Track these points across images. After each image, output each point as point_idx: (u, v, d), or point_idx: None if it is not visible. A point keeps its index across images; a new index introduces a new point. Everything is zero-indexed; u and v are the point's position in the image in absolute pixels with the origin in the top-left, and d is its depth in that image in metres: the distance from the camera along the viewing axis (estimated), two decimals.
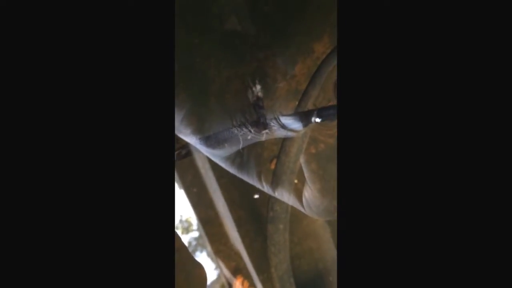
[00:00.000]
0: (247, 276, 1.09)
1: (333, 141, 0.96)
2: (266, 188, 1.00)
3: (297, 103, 1.02)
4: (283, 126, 0.80)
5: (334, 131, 0.96)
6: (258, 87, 0.78)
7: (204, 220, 1.09)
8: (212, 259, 1.13)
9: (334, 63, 0.94)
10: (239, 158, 0.98)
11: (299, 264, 1.15)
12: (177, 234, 0.77)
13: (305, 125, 0.80)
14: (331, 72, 0.96)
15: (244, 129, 0.79)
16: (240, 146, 0.94)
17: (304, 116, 0.80)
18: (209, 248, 1.08)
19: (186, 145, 0.87)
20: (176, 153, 0.87)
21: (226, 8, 1.03)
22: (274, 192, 0.97)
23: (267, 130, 0.78)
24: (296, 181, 0.99)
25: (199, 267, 0.80)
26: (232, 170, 0.98)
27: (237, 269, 1.13)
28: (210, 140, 0.95)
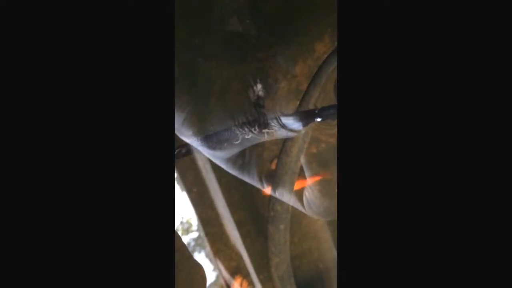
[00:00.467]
0: (246, 276, 1.09)
1: (334, 141, 0.96)
2: (267, 188, 1.01)
3: (298, 103, 1.02)
4: (284, 126, 0.80)
5: (335, 130, 0.96)
6: (259, 86, 0.79)
7: (205, 221, 1.09)
8: (211, 260, 1.13)
9: (334, 63, 0.94)
10: (240, 160, 0.99)
11: (300, 264, 1.15)
12: (177, 234, 0.77)
13: (305, 125, 0.80)
14: (332, 73, 0.96)
15: (246, 129, 0.79)
16: (241, 147, 0.94)
17: (304, 116, 0.80)
18: (208, 248, 1.08)
19: (186, 144, 0.87)
20: (176, 151, 0.87)
21: (227, 9, 1.03)
22: (275, 192, 0.97)
23: (267, 130, 0.78)
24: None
25: (199, 267, 0.80)
26: (233, 171, 0.98)
27: (238, 269, 1.13)
28: (211, 141, 0.95)
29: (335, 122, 0.89)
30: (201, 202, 1.10)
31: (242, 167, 0.99)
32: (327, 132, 0.94)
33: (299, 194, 0.97)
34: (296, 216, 1.14)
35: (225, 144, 0.94)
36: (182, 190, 1.17)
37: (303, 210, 0.99)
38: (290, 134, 0.88)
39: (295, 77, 1.02)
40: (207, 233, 1.10)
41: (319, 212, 0.98)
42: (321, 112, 0.81)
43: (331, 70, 0.92)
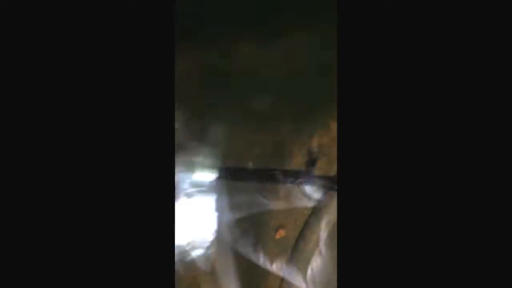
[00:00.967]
0: None
1: None
2: (262, 260, 0.99)
3: None
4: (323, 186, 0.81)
5: None
6: (317, 149, 0.82)
7: None
8: None
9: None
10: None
11: None
12: None
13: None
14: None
15: (287, 178, 0.80)
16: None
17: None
18: None
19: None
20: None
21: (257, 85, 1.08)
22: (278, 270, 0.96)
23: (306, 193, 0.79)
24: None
25: None
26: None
27: None
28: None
29: None
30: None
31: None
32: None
33: (304, 268, 0.96)
34: None
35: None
36: None
37: (303, 285, 0.97)
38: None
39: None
40: None
41: (323, 285, 0.96)
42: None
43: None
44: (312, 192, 0.96)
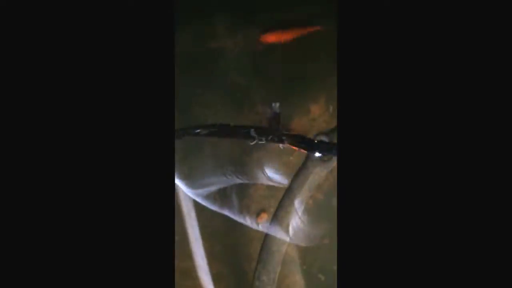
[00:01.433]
0: None
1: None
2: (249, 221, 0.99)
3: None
4: (296, 145, 0.83)
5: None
6: (278, 104, 0.83)
7: (182, 272, 1.03)
8: None
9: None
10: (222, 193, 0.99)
11: None
12: None
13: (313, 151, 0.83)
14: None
15: (262, 135, 0.82)
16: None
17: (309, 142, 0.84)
18: None
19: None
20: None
21: (232, 65, 1.10)
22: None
23: (281, 144, 0.81)
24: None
25: None
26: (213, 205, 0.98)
27: None
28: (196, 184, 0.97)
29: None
30: (181, 252, 1.05)
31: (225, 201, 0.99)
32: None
33: (285, 224, 0.97)
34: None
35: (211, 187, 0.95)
36: None
37: (286, 239, 0.98)
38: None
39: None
40: (181, 285, 1.03)
41: (307, 239, 0.97)
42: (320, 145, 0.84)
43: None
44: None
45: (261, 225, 1.04)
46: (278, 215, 1.00)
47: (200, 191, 0.99)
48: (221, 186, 1.00)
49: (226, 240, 1.08)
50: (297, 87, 1.10)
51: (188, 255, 1.06)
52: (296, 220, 0.96)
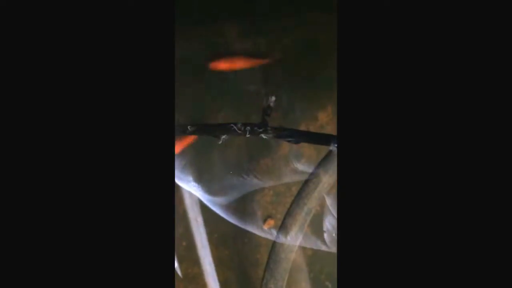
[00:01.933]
0: None
1: None
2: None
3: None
4: (280, 136, 0.84)
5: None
6: (273, 98, 0.84)
7: (189, 277, 1.03)
8: None
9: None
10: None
11: None
12: None
13: (297, 142, 0.84)
14: None
15: (247, 129, 0.83)
16: (241, 193, 0.94)
17: (296, 132, 0.85)
18: None
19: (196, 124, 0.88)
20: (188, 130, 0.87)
21: (242, 71, 1.10)
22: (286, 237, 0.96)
23: (265, 135, 0.82)
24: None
25: None
26: (232, 218, 0.97)
27: None
28: (212, 187, 0.96)
29: None
30: (188, 258, 1.05)
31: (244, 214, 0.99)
32: None
33: (294, 231, 0.96)
34: None
35: (228, 192, 0.94)
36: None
37: (323, 247, 0.97)
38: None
39: None
40: None
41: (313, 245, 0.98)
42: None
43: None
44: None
45: (268, 231, 1.04)
46: (287, 223, 1.00)
47: (220, 199, 0.98)
48: (239, 191, 0.99)
49: (233, 246, 1.07)
50: (305, 94, 1.11)
51: (196, 261, 1.06)
52: (305, 227, 0.96)
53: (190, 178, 0.99)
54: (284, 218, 0.97)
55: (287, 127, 0.84)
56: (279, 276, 0.99)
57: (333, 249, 0.97)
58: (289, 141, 0.85)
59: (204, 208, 1.04)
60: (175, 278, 1.01)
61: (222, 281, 1.05)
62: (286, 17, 1.12)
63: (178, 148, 1.00)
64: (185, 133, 0.85)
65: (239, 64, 1.09)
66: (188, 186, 0.99)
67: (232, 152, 1.08)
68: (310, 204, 0.99)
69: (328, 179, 0.97)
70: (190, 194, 1.04)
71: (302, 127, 1.09)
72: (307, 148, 1.08)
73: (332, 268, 1.06)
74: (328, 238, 0.97)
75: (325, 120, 1.11)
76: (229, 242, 1.07)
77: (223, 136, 0.85)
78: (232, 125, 0.83)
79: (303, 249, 1.07)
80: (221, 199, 0.96)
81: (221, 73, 1.10)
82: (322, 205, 1.00)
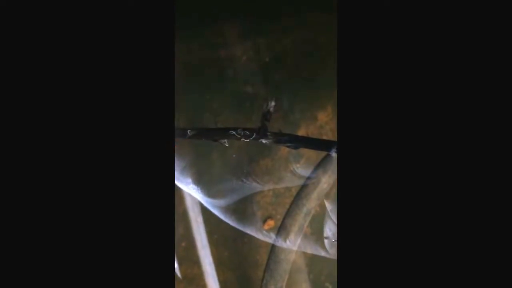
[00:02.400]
0: None
1: None
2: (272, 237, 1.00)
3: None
4: (279, 141, 0.84)
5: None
6: (273, 103, 0.84)
7: (188, 278, 1.03)
8: None
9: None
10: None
11: None
12: None
13: (296, 147, 0.84)
14: None
15: (246, 134, 0.83)
16: (240, 195, 0.95)
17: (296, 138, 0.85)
18: None
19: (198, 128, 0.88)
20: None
21: (241, 72, 1.10)
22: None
23: (264, 140, 0.82)
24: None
25: None
26: (231, 220, 0.98)
27: None
28: (211, 189, 0.96)
29: None
30: (188, 258, 1.05)
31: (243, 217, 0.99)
32: None
33: (293, 232, 0.96)
34: None
35: (227, 194, 0.95)
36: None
37: (323, 253, 0.97)
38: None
39: None
40: None
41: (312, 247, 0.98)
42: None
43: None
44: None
45: (267, 234, 1.04)
46: (286, 223, 1.00)
47: (219, 201, 0.99)
48: (239, 194, 1.00)
49: (233, 247, 1.08)
50: (304, 94, 1.10)
51: (196, 261, 1.06)
52: (304, 228, 0.96)
53: (190, 180, 0.99)
54: (284, 219, 0.97)
55: (287, 132, 0.84)
56: (279, 277, 1.00)
57: (333, 255, 0.97)
58: (288, 147, 0.85)
59: (204, 209, 1.04)
60: (175, 278, 1.02)
61: (222, 282, 1.06)
62: (286, 17, 1.11)
63: None
64: (184, 137, 0.85)
65: None
66: (187, 188, 0.99)
67: (232, 154, 1.07)
68: (309, 205, 1.00)
69: (328, 179, 0.97)
70: (191, 194, 1.04)
71: (302, 127, 1.09)
72: (306, 149, 1.08)
73: (332, 269, 1.06)
74: (328, 245, 0.97)
75: (325, 120, 1.10)
76: (229, 242, 1.07)
77: (223, 141, 0.85)
78: (231, 131, 0.83)
79: None
80: (220, 201, 0.97)
81: (221, 73, 1.10)
82: (322, 205, 1.00)
